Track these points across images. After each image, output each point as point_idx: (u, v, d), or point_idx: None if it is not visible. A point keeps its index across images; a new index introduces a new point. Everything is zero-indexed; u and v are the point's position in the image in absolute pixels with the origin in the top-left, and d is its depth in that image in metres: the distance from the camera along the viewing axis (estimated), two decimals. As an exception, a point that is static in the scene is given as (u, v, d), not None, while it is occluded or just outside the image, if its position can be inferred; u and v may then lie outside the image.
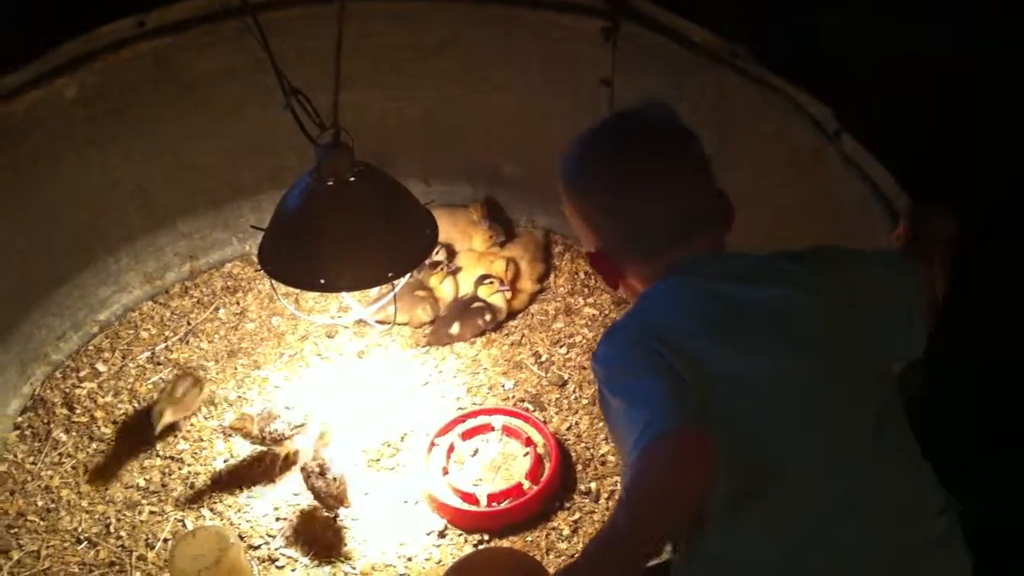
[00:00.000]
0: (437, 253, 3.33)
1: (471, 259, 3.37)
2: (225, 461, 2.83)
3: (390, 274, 2.25)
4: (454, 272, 3.32)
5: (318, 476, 2.57)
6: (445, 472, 2.75)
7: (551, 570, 2.42)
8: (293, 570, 2.54)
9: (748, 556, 1.44)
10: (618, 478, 2.74)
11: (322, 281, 2.20)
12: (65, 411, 2.98)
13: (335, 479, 2.58)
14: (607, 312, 3.28)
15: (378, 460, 2.83)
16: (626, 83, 3.13)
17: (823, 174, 2.50)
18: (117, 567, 2.57)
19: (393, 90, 3.36)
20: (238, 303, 3.37)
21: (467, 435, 2.85)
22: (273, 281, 2.30)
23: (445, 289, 3.30)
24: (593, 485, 2.73)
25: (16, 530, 2.67)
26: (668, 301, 1.53)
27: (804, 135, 2.54)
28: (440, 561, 2.55)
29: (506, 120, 3.40)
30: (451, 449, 2.80)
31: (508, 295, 3.24)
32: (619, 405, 1.39)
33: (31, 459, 2.86)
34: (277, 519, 2.67)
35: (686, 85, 2.95)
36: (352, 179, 2.16)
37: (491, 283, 3.21)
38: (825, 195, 2.52)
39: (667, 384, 1.36)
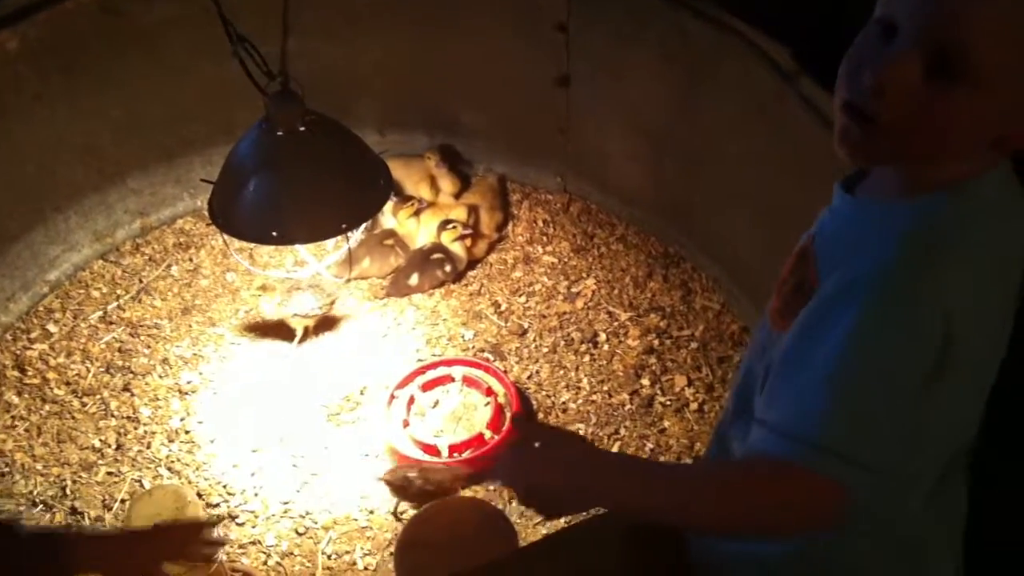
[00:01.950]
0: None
1: (429, 209, 3.33)
2: (181, 419, 2.79)
3: (344, 225, 2.22)
4: (421, 210, 3.28)
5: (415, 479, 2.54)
6: (406, 424, 2.73)
7: (513, 519, 2.43)
8: (254, 526, 2.52)
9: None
10: (580, 425, 2.74)
11: (274, 234, 2.15)
12: (16, 373, 2.92)
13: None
14: (566, 259, 3.26)
15: (338, 414, 2.81)
16: (585, 28, 3.09)
17: (786, 117, 2.48)
18: (74, 529, 2.53)
19: (348, 40, 3.30)
20: (191, 259, 3.32)
21: (427, 387, 2.83)
22: (225, 236, 2.26)
23: (411, 226, 3.27)
24: (555, 433, 2.73)
25: (-30, 495, 2.63)
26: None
27: (765, 78, 2.52)
28: (403, 513, 2.54)
29: (463, 68, 3.35)
30: (411, 401, 2.78)
31: (469, 242, 3.21)
32: (839, 361, 1.06)
33: (-19, 422, 2.81)
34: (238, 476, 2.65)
35: (646, 30, 2.92)
36: (303, 129, 2.12)
37: (454, 228, 3.18)
38: (788, 139, 2.50)
39: (915, 417, 1.08)
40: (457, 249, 3.20)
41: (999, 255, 1.12)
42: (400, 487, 2.53)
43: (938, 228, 1.09)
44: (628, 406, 2.80)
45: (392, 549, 2.43)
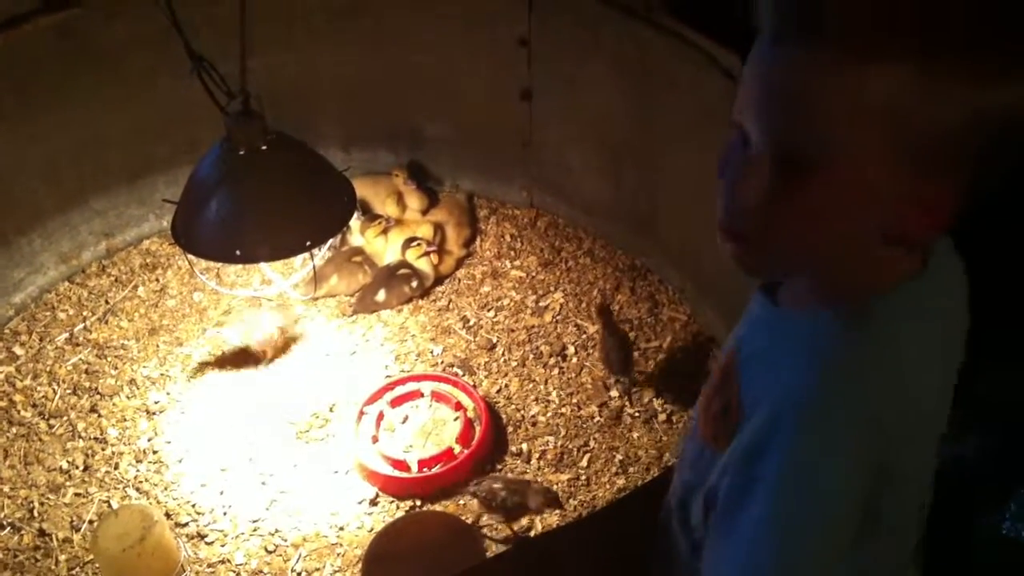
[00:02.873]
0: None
1: (397, 226, 3.34)
2: (149, 440, 2.78)
3: (308, 243, 2.22)
4: (389, 228, 3.28)
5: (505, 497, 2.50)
6: (375, 440, 2.73)
7: (484, 531, 2.44)
8: (223, 545, 2.51)
9: None
10: (550, 438, 2.75)
11: (238, 252, 2.16)
12: (-18, 396, 2.91)
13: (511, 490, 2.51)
14: (534, 274, 3.28)
15: (307, 431, 2.80)
16: (543, 39, 3.12)
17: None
18: (42, 551, 2.51)
19: (307, 54, 3.31)
20: (158, 280, 3.30)
21: (396, 402, 2.83)
22: (189, 256, 2.26)
23: (379, 244, 3.27)
24: (524, 446, 2.74)
25: (-64, 520, 2.61)
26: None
27: (716, 84, 2.55)
28: (372, 529, 2.54)
29: (426, 82, 3.37)
30: (380, 417, 2.78)
31: (435, 259, 3.21)
32: (763, 514, 1.02)
33: (-52, 446, 2.79)
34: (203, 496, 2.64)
35: (603, 40, 2.95)
36: (264, 147, 2.12)
37: (418, 245, 3.19)
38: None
39: None
40: (423, 265, 3.20)
41: (932, 349, 1.07)
42: (485, 500, 2.50)
43: (855, 345, 1.02)
44: (597, 418, 2.82)
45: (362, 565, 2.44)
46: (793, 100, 0.91)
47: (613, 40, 2.92)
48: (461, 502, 2.60)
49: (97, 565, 2.43)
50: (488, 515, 2.52)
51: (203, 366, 3.00)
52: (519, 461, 2.71)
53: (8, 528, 2.57)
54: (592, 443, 2.75)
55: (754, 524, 1.02)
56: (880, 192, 0.93)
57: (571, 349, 3.02)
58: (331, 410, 2.86)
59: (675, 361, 2.96)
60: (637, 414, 2.82)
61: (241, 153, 2.12)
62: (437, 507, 2.59)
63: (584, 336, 3.05)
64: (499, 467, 2.70)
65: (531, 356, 3.01)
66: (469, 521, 2.52)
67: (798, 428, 1.01)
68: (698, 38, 2.65)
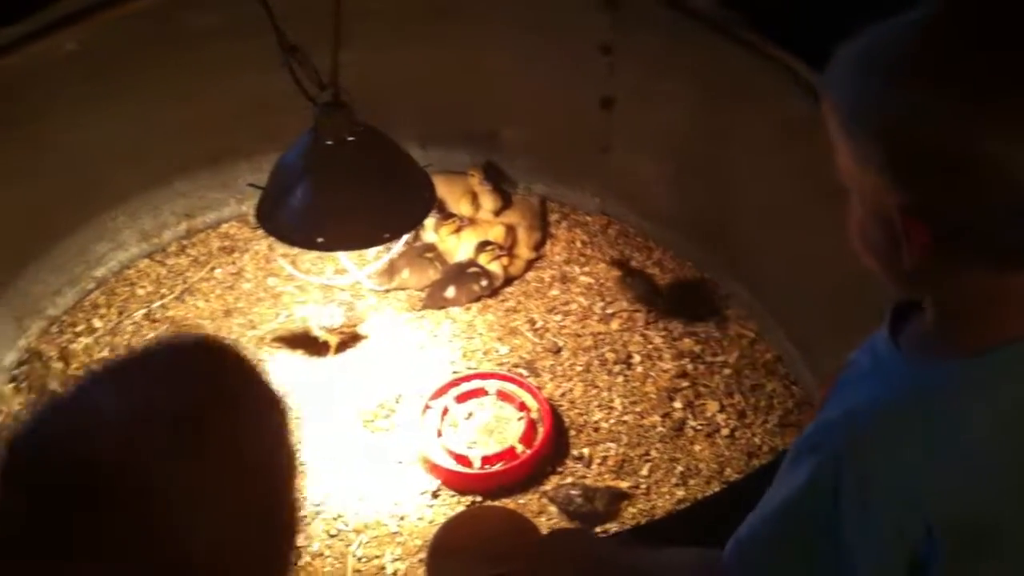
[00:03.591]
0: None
1: (470, 226, 3.37)
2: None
3: (387, 235, 2.27)
4: (462, 228, 3.32)
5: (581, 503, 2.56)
6: (439, 434, 2.76)
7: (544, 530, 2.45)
8: (286, 527, 2.55)
9: None
10: (611, 444, 2.77)
11: (320, 240, 2.21)
12: (61, 365, 2.99)
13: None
14: (602, 281, 3.29)
15: (373, 420, 2.85)
16: (624, 49, 3.13)
17: (819, 141, 2.50)
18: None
19: (392, 52, 3.34)
20: (234, 263, 3.37)
21: (461, 398, 2.86)
22: (271, 240, 2.31)
23: (451, 243, 3.31)
24: (586, 451, 2.75)
25: (11, 483, 2.68)
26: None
27: (798, 102, 2.54)
28: (432, 521, 2.58)
29: (506, 86, 3.39)
30: (445, 412, 2.82)
31: (506, 262, 3.24)
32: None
33: (26, 411, 2.85)
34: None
35: (683, 52, 2.95)
36: (351, 139, 2.17)
37: (491, 250, 3.22)
38: (823, 163, 2.52)
39: None
40: (494, 266, 3.23)
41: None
42: (562, 504, 2.56)
43: (933, 403, 1.01)
44: (659, 428, 2.82)
45: (421, 556, 2.47)
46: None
47: (693, 52, 2.92)
48: (521, 501, 2.62)
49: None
50: (565, 520, 2.55)
51: (274, 350, 3.06)
52: (580, 465, 2.73)
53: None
54: (653, 453, 2.76)
55: (770, 503, 1.12)
56: (883, 191, 0.97)
57: (636, 358, 3.03)
58: (397, 401, 2.90)
59: (741, 377, 2.96)
60: (700, 427, 2.82)
61: (328, 143, 2.16)
62: (497, 504, 2.61)
63: (650, 346, 3.05)
64: (560, 469, 2.71)
65: (596, 362, 3.02)
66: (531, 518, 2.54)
67: (837, 451, 1.04)
68: (780, 53, 2.64)
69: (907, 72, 0.94)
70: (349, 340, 3.06)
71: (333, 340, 3.02)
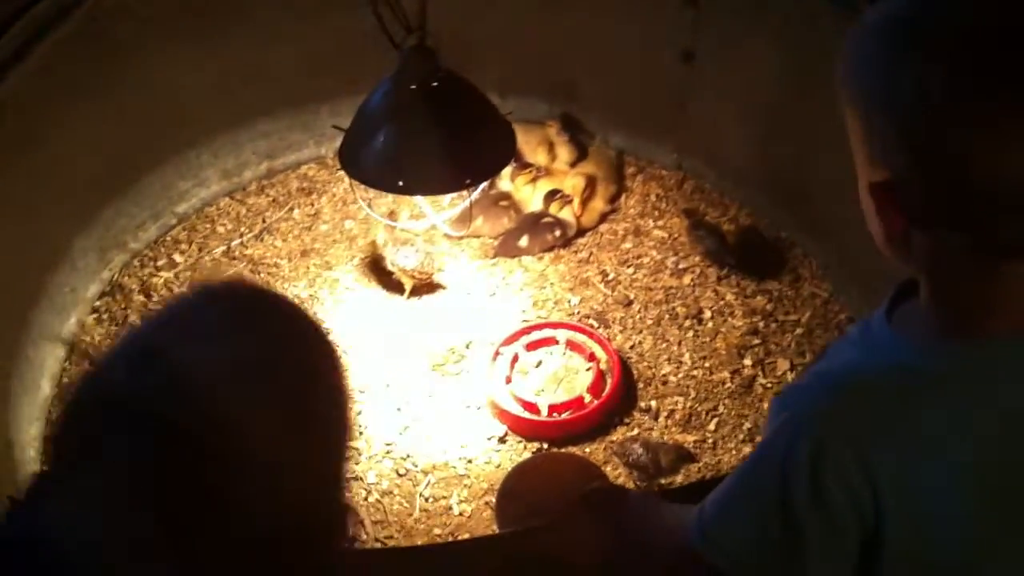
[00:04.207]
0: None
1: (546, 176, 3.37)
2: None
3: (468, 181, 2.28)
4: (538, 178, 3.33)
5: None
6: (508, 381, 2.79)
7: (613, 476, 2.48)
8: (357, 463, 2.61)
9: None
10: (679, 398, 2.78)
11: (400, 183, 2.24)
12: (142, 298, 3.07)
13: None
14: (676, 235, 3.27)
15: (443, 365, 2.88)
16: (712, 4, 3.09)
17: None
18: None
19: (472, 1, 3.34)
20: (312, 205, 3.42)
21: (531, 347, 2.89)
22: (352, 181, 2.34)
23: (526, 192, 3.32)
24: (653, 403, 2.76)
25: (92, 409, 2.77)
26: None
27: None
28: (499, 465, 2.61)
29: (588, 37, 3.37)
30: (515, 359, 2.84)
31: (578, 211, 3.24)
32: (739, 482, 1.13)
33: (108, 342, 2.95)
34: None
35: (771, 6, 2.91)
36: (435, 84, 2.18)
37: (560, 198, 3.23)
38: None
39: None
40: (566, 213, 3.24)
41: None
42: (624, 455, 2.59)
43: (907, 378, 1.01)
44: (728, 385, 2.82)
45: (487, 499, 2.52)
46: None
47: (782, 7, 2.88)
48: (587, 450, 2.65)
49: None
50: (625, 470, 2.58)
51: (349, 291, 3.11)
52: (647, 417, 2.74)
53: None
54: (721, 408, 2.76)
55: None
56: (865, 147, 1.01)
57: (707, 313, 3.02)
58: (467, 347, 2.94)
59: (812, 337, 2.94)
60: (769, 385, 2.81)
61: (412, 88, 2.18)
62: (568, 448, 2.65)
63: (722, 302, 3.04)
64: (627, 421, 2.73)
65: (667, 316, 3.02)
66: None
67: (798, 414, 1.06)
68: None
69: (889, 45, 0.98)
70: (422, 285, 3.10)
71: (407, 284, 3.06)
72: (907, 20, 0.97)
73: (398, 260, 3.02)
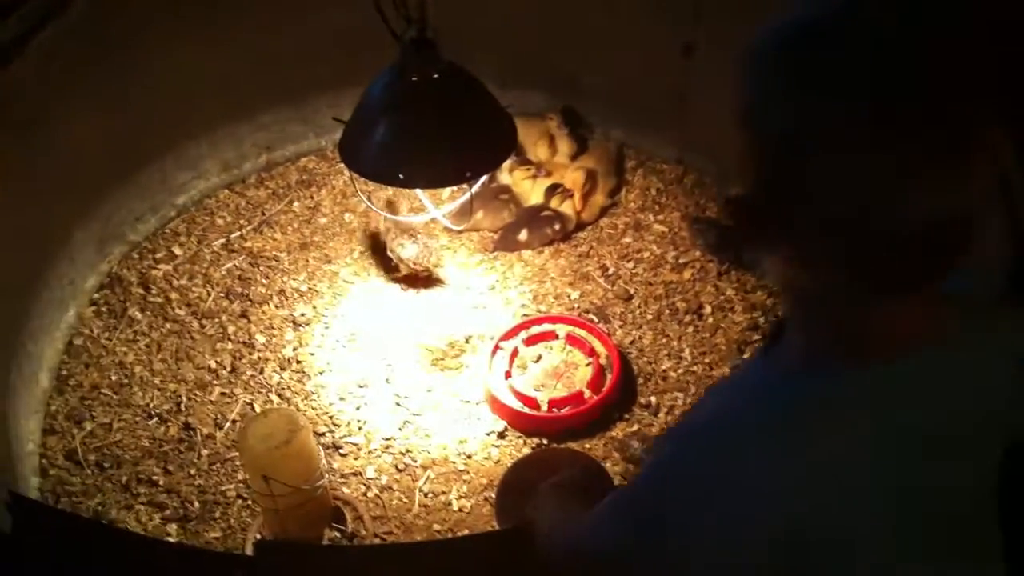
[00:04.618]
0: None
1: (544, 177, 3.36)
2: (294, 349, 2.89)
3: (468, 174, 2.27)
4: (538, 177, 3.32)
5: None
6: (508, 375, 2.78)
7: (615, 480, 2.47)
8: (356, 458, 2.61)
9: None
10: (679, 394, 2.77)
11: (400, 176, 2.22)
12: (141, 291, 3.06)
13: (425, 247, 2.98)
14: (676, 230, 3.26)
15: (442, 359, 2.88)
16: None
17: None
18: (186, 444, 2.65)
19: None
20: (312, 197, 3.41)
21: (531, 341, 2.88)
22: (352, 174, 2.33)
23: (526, 186, 3.31)
24: (653, 399, 2.76)
25: (90, 402, 2.77)
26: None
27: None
28: (498, 460, 2.61)
29: (587, 29, 3.35)
30: (515, 353, 2.83)
31: (578, 205, 3.23)
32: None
33: (106, 335, 2.95)
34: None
35: (772, 3, 2.89)
36: (436, 76, 2.16)
37: (559, 193, 3.22)
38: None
39: None
40: (566, 207, 3.23)
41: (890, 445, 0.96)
42: (624, 451, 2.59)
43: (780, 411, 0.99)
44: (728, 380, 2.81)
45: (487, 494, 2.51)
46: None
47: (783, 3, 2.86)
48: (587, 445, 2.64)
49: (239, 462, 2.56)
50: (624, 465, 2.57)
51: (348, 285, 3.10)
52: (647, 413, 2.73)
53: (156, 418, 2.72)
54: (721, 404, 2.75)
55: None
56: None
57: (708, 309, 3.01)
58: (467, 341, 2.93)
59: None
60: (769, 381, 2.80)
61: (413, 80, 2.16)
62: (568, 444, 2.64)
63: (722, 297, 3.03)
64: (626, 416, 2.72)
65: (667, 311, 3.01)
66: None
67: (673, 453, 1.07)
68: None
69: (777, 72, 0.95)
70: (421, 278, 3.09)
71: (406, 278, 3.05)
72: (798, 51, 0.94)
73: (397, 248, 3.02)
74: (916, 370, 0.95)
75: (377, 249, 3.15)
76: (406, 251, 3.02)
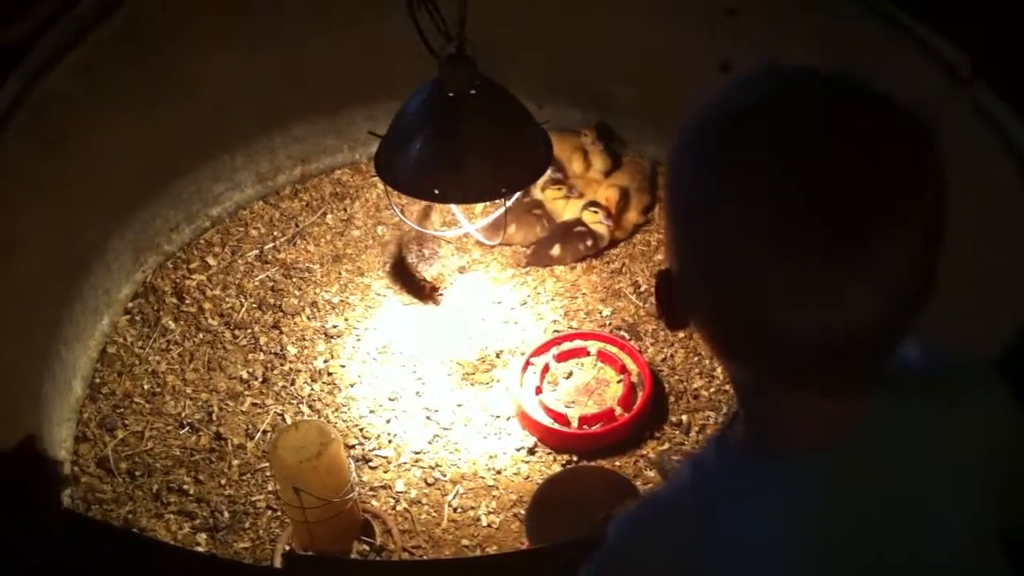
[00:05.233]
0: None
1: (580, 185, 3.35)
2: (325, 361, 2.90)
3: (504, 190, 2.27)
4: (572, 196, 3.31)
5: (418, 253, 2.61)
6: (538, 391, 2.77)
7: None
8: (386, 472, 2.61)
9: None
10: (711, 413, 2.75)
11: (436, 191, 2.24)
12: (174, 300, 3.08)
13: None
14: (710, 248, 3.24)
15: (473, 374, 2.87)
16: (749, 12, 3.06)
17: (948, 123, 2.43)
18: (216, 453, 2.67)
19: (511, 6, 3.33)
20: (345, 210, 3.42)
21: (562, 357, 2.86)
22: (382, 188, 2.34)
23: (559, 205, 3.30)
24: (684, 417, 2.74)
25: (122, 410, 2.79)
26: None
27: (931, 78, 2.46)
28: (528, 476, 2.60)
29: (625, 45, 3.34)
30: (546, 369, 2.83)
31: (611, 225, 3.22)
32: None
33: (139, 344, 2.97)
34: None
35: (811, 18, 2.88)
36: (473, 92, 2.17)
37: (595, 211, 3.21)
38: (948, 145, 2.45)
39: None
40: (599, 226, 3.22)
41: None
42: (662, 467, 2.58)
43: (715, 498, 1.02)
44: (760, 400, 2.79)
45: (516, 510, 2.50)
46: None
47: (822, 19, 2.85)
48: (617, 463, 2.63)
49: (269, 473, 2.56)
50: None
51: (380, 297, 3.11)
52: (678, 432, 2.72)
53: (187, 428, 2.73)
54: (753, 424, 2.73)
55: None
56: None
57: (740, 328, 2.98)
58: (498, 356, 2.92)
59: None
60: (802, 401, 2.78)
61: (450, 95, 2.17)
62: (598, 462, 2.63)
63: (755, 316, 3.01)
64: (658, 435, 2.71)
65: (699, 330, 2.98)
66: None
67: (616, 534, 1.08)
68: (917, 26, 2.55)
69: (702, 165, 0.90)
70: (454, 293, 3.09)
71: (438, 292, 3.05)
72: (709, 135, 0.91)
73: (428, 272, 3.02)
74: (836, 460, 0.95)
75: (401, 266, 3.15)
76: (425, 264, 3.03)
